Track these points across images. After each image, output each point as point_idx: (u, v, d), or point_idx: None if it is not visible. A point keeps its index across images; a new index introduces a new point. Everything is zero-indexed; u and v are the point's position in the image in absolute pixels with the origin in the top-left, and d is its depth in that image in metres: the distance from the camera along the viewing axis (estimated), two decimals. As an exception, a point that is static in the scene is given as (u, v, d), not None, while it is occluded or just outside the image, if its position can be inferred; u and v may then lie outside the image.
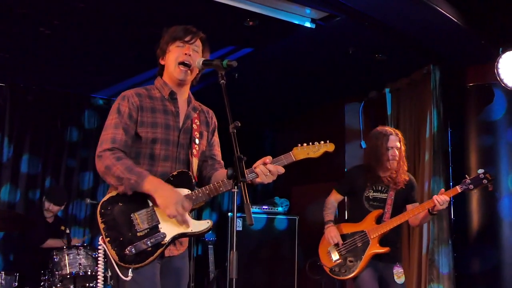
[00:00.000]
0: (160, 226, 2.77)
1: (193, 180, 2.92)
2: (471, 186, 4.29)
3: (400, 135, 4.60)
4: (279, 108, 8.19)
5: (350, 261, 4.44)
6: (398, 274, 4.39)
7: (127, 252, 2.67)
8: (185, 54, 2.94)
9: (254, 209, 7.49)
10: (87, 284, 5.53)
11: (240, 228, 7.04)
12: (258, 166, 2.82)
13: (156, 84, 3.05)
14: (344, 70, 6.50)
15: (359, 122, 7.39)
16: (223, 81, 2.64)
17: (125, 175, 2.70)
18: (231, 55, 5.95)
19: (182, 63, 2.94)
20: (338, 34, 5.44)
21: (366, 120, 7.38)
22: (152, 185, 2.72)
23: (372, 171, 4.58)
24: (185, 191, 2.85)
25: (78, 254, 5.56)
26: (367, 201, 4.56)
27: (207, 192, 2.85)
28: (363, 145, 7.27)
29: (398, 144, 4.56)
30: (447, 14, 4.95)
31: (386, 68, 6.35)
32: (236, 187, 2.42)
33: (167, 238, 2.76)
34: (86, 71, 6.69)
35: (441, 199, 4.23)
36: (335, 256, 4.50)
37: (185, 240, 3.00)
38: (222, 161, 3.22)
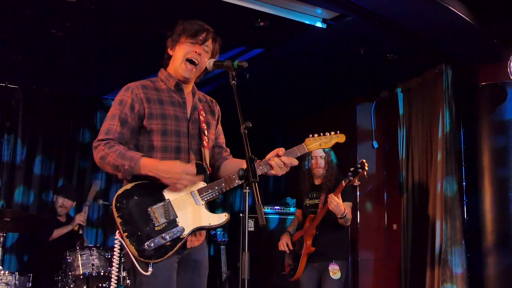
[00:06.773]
0: (178, 220, 2.75)
1: (208, 172, 2.91)
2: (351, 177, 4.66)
3: None
4: (290, 109, 8.18)
5: (295, 265, 4.93)
6: (334, 271, 4.72)
7: (146, 247, 2.64)
8: (195, 52, 2.92)
9: (266, 209, 7.48)
10: (100, 285, 5.54)
11: (252, 229, 7.03)
12: (273, 158, 2.85)
13: (160, 76, 3.03)
14: (355, 70, 6.48)
15: (371, 122, 7.36)
16: (234, 81, 2.64)
17: (118, 162, 2.69)
18: (242, 55, 5.95)
19: (190, 60, 2.92)
20: (349, 34, 5.43)
21: (378, 120, 7.35)
22: (147, 168, 2.70)
23: (307, 181, 5.10)
24: (201, 184, 2.85)
25: (91, 255, 5.57)
26: (306, 209, 5.06)
27: (223, 184, 2.85)
28: (375, 145, 7.24)
29: (322, 153, 4.99)
30: (459, 13, 4.92)
31: (398, 68, 6.33)
32: (247, 187, 2.41)
33: (186, 232, 2.74)
34: (97, 73, 6.72)
35: (330, 198, 4.63)
36: (288, 260, 5.06)
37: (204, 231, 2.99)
38: (228, 149, 3.24)
